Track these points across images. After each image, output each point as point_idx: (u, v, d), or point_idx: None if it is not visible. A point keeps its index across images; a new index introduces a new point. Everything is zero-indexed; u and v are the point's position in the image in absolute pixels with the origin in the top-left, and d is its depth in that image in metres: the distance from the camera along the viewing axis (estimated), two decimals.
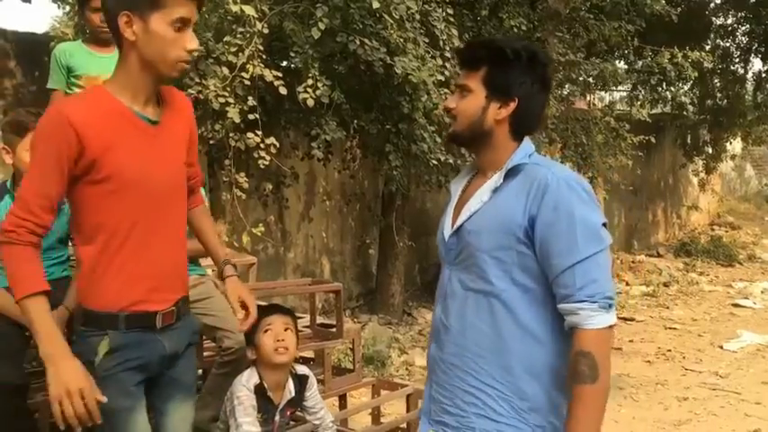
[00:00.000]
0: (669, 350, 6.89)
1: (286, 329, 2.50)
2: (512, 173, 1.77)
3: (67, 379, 1.76)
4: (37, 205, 1.83)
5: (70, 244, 2.78)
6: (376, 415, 3.75)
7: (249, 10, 4.73)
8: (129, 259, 1.91)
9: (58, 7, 5.75)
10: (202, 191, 2.48)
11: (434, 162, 5.77)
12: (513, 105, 1.78)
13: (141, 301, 1.93)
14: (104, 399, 1.81)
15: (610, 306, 1.68)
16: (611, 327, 1.68)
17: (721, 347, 6.98)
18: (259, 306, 3.19)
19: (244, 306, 2.19)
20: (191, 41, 1.86)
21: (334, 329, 3.62)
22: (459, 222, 1.82)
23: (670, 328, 7.81)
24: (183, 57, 1.87)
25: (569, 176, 1.74)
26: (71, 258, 2.81)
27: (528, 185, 1.72)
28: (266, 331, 2.47)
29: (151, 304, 1.95)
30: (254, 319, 2.20)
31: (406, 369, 6.00)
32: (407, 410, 3.58)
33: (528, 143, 1.83)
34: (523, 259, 1.72)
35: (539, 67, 1.81)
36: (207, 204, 2.39)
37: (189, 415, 2.11)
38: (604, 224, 1.73)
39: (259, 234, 5.84)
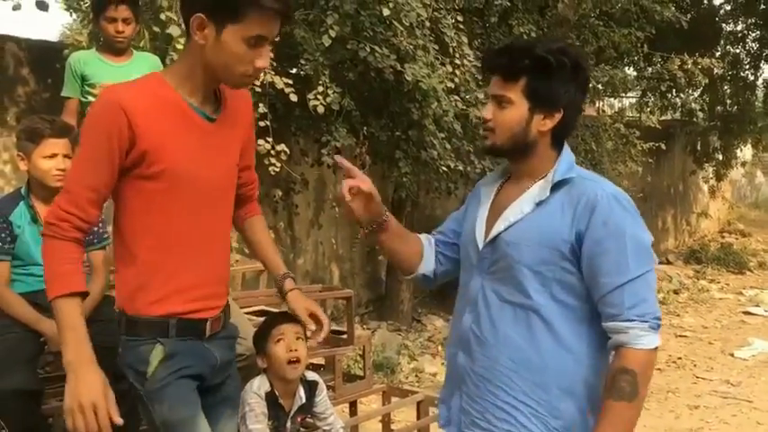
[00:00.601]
0: (680, 358, 6.86)
1: (297, 338, 2.49)
2: (557, 186, 1.71)
3: (82, 391, 1.66)
4: (84, 198, 1.73)
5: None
6: (386, 422, 3.75)
7: None
8: (180, 264, 1.83)
9: (71, 15, 5.78)
10: None
11: (444, 169, 5.79)
12: (558, 116, 1.71)
13: (192, 309, 1.85)
14: (120, 420, 1.69)
15: (658, 326, 1.64)
16: (656, 348, 1.65)
17: (732, 355, 6.94)
18: (270, 314, 3.20)
19: (314, 317, 2.12)
20: (262, 59, 1.73)
21: (344, 336, 3.62)
22: (495, 232, 1.75)
23: (681, 336, 7.78)
24: (249, 72, 1.75)
25: (617, 192, 1.69)
26: (85, 264, 2.83)
27: (575, 200, 1.67)
28: (278, 341, 2.46)
29: (201, 311, 1.87)
30: (328, 330, 2.12)
31: (416, 376, 6.00)
32: (418, 417, 3.57)
33: (568, 152, 1.78)
34: (565, 275, 1.67)
35: (582, 73, 1.73)
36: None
37: (234, 429, 2.08)
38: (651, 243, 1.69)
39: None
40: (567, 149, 1.78)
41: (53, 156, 2.63)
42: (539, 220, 1.70)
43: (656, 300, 1.67)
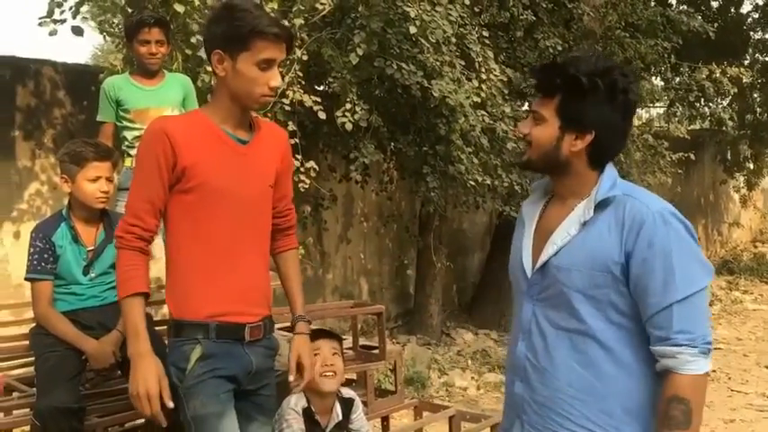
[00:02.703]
0: (714, 371, 6.75)
1: (334, 354, 2.52)
2: (601, 205, 1.67)
3: (139, 381, 1.96)
4: (142, 210, 2.04)
5: None
6: None
7: None
8: (219, 269, 2.06)
9: (104, 39, 5.92)
10: None
11: (471, 183, 5.80)
12: (589, 138, 1.68)
13: (230, 312, 2.05)
14: (171, 404, 1.98)
15: (708, 351, 1.61)
16: (707, 373, 1.62)
17: None
18: None
19: (300, 366, 2.24)
20: (274, 79, 2.04)
21: (376, 351, 3.65)
22: (545, 257, 1.71)
23: (715, 348, 7.55)
24: (266, 93, 2.05)
25: (664, 209, 1.65)
26: None
27: (622, 220, 1.63)
28: (314, 356, 2.50)
29: (240, 316, 2.07)
30: (305, 384, 2.26)
31: (446, 390, 5.99)
32: None
33: (611, 170, 1.74)
34: (620, 298, 1.64)
35: (619, 94, 1.67)
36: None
37: None
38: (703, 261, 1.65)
39: (299, 256, 5.92)
40: (609, 168, 1.74)
41: (97, 179, 2.72)
42: (587, 243, 1.66)
43: (706, 322, 1.63)
